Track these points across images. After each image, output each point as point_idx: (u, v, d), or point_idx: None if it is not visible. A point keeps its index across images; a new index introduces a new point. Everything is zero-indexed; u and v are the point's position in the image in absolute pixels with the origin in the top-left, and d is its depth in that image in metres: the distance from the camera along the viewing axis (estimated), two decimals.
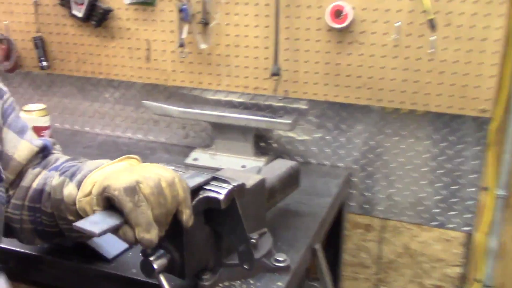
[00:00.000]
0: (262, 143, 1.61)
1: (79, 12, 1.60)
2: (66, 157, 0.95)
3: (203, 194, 0.86)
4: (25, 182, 0.90)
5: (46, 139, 0.97)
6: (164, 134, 1.74)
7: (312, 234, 1.15)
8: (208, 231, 0.91)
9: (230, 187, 0.86)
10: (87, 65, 1.71)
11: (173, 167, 0.91)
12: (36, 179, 0.90)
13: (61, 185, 0.86)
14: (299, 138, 1.58)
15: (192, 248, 0.87)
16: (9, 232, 0.92)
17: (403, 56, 1.35)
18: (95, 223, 0.72)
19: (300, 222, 1.19)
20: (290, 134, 1.58)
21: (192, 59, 1.56)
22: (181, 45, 1.51)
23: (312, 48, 1.42)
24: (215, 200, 0.85)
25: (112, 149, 1.68)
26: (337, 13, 1.32)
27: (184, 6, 1.46)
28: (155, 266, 0.83)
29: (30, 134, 0.93)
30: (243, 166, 1.50)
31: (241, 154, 1.53)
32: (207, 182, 0.88)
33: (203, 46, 1.50)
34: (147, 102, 1.60)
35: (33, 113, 1.46)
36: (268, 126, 1.47)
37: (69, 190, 0.84)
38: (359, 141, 1.52)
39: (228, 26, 1.49)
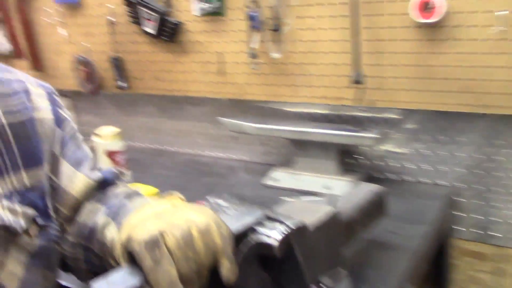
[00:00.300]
0: (349, 159, 1.44)
1: (150, 28, 1.54)
2: (125, 190, 0.86)
3: (253, 238, 0.72)
4: (80, 218, 0.83)
5: (109, 169, 0.89)
6: (244, 151, 1.63)
7: (403, 272, 0.95)
8: (266, 279, 0.76)
9: (286, 229, 0.71)
10: (163, 83, 1.65)
11: (220, 202, 0.79)
12: (90, 214, 0.82)
13: (104, 226, 0.77)
14: (392, 152, 1.38)
15: None
16: (68, 269, 0.86)
17: None
18: (113, 283, 0.61)
19: (389, 258, 1.00)
20: (381, 148, 1.38)
21: (266, 70, 1.43)
22: (253, 56, 1.38)
23: (399, 49, 1.22)
24: (268, 246, 0.70)
25: (191, 170, 1.60)
26: (425, 6, 1.11)
27: (253, 13, 1.33)
28: None
29: (90, 165, 0.86)
30: (327, 187, 1.34)
31: (325, 172, 1.37)
32: (258, 222, 0.73)
33: (275, 55, 1.36)
34: (222, 119, 1.50)
35: (105, 137, 1.41)
36: (352, 142, 1.29)
37: (111, 233, 0.75)
38: (464, 154, 1.28)
39: (302, 31, 1.34)
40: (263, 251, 0.71)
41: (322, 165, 1.37)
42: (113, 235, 0.74)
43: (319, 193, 1.33)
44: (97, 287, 0.60)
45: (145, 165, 1.67)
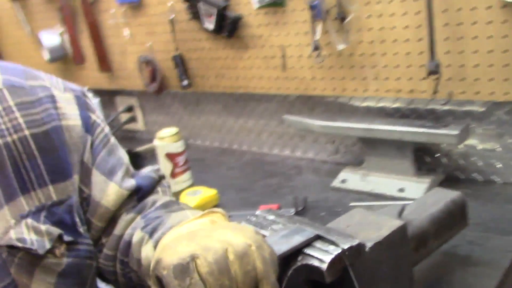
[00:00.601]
0: (426, 159, 1.29)
1: (210, 24, 1.48)
2: (165, 200, 0.80)
3: (301, 261, 0.62)
4: (117, 230, 0.77)
5: (147, 175, 0.83)
6: (312, 149, 1.52)
7: None
8: None
9: (337, 251, 0.61)
10: (226, 80, 1.59)
11: (268, 217, 0.70)
12: (128, 227, 0.77)
13: (140, 243, 0.71)
14: (476, 150, 1.21)
15: None
16: (107, 281, 0.82)
17: None
18: None
19: (472, 276, 0.86)
20: (463, 145, 1.23)
21: (332, 63, 1.31)
22: (316, 48, 1.27)
23: (481, 34, 1.07)
24: (316, 270, 0.61)
25: (255, 170, 1.52)
26: None
27: (315, 2, 1.22)
28: None
29: (123, 172, 0.80)
30: (401, 190, 1.21)
31: (399, 173, 1.24)
32: (308, 243, 0.64)
33: (341, 46, 1.25)
34: (288, 117, 1.41)
35: (165, 140, 1.37)
36: (429, 140, 1.15)
37: (147, 251, 0.69)
38: None
39: (369, 18, 1.21)
40: (312, 276, 0.62)
41: (396, 165, 1.24)
42: (149, 253, 0.68)
43: (392, 196, 1.21)
44: None
45: (207, 165, 1.62)
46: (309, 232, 0.65)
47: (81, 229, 0.72)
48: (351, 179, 1.31)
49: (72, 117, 0.74)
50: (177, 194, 1.33)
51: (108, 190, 0.76)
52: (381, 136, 1.21)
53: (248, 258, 0.55)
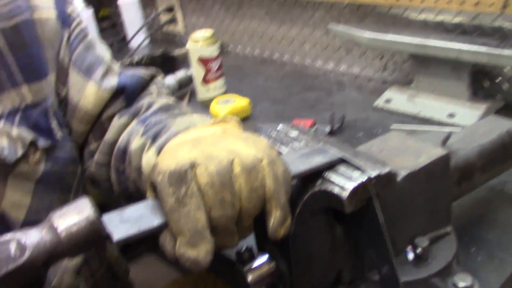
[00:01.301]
0: (486, 82, 1.15)
1: None
2: (162, 102, 0.71)
3: (320, 186, 0.54)
4: (109, 136, 0.71)
5: (133, 74, 0.74)
6: (358, 64, 1.40)
7: None
8: (339, 233, 0.60)
9: (362, 178, 0.53)
10: None
11: (293, 133, 0.61)
12: (122, 133, 0.70)
13: (141, 149, 0.64)
14: None
15: (304, 259, 0.58)
16: (100, 191, 0.77)
17: None
18: (127, 220, 0.48)
19: None
20: None
21: None
22: None
23: None
24: (336, 198, 0.53)
25: (295, 82, 1.42)
26: None
27: None
28: (251, 278, 0.57)
29: (103, 71, 0.71)
30: (451, 115, 1.09)
31: (451, 96, 1.11)
32: (330, 166, 0.55)
33: None
34: (334, 26, 1.28)
35: (198, 42, 1.27)
36: (490, 61, 1.01)
37: (149, 157, 0.62)
38: None
39: None
40: (331, 204, 0.54)
41: (449, 87, 1.11)
42: (151, 160, 0.61)
43: (440, 121, 1.09)
44: (107, 220, 0.48)
45: (245, 73, 1.52)
46: (333, 154, 0.57)
47: (59, 134, 0.66)
48: (397, 99, 1.19)
49: (45, 9, 0.65)
50: (207, 102, 1.26)
51: (86, 91, 0.69)
52: (436, 54, 1.08)
53: (257, 173, 0.48)
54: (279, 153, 0.52)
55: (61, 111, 0.69)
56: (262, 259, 0.59)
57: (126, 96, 0.72)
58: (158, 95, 0.74)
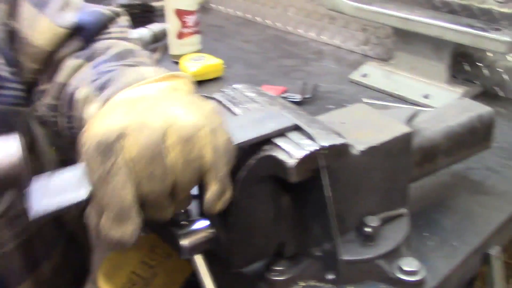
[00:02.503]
0: (467, 66, 1.11)
1: None
2: (121, 48, 0.66)
3: (266, 152, 0.50)
4: (61, 77, 0.65)
5: (94, 11, 0.68)
6: (340, 35, 1.35)
7: (495, 228, 0.69)
8: (286, 204, 0.56)
9: (313, 147, 0.49)
10: None
11: (251, 93, 0.57)
12: (74, 76, 0.65)
13: (86, 100, 0.59)
14: None
15: (245, 228, 0.54)
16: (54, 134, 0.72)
17: None
18: (52, 190, 0.44)
19: (479, 204, 0.74)
20: None
21: None
22: None
23: None
24: (282, 165, 0.49)
25: (274, 48, 1.36)
26: None
27: None
28: (184, 243, 0.54)
29: (60, 5, 0.65)
30: (426, 96, 1.06)
31: (429, 77, 1.08)
32: (281, 133, 0.51)
33: None
34: None
35: None
36: (473, 43, 0.97)
37: (91, 111, 0.57)
38: None
39: None
40: (277, 171, 0.50)
41: (428, 67, 1.07)
42: (93, 113, 0.57)
43: (415, 101, 1.06)
44: (33, 190, 0.44)
45: (224, 34, 1.46)
46: (287, 119, 0.53)
47: (6, 72, 0.61)
48: (374, 74, 1.15)
49: None
50: (179, 57, 1.20)
51: (39, 26, 0.63)
52: (418, 30, 1.03)
53: (193, 144, 0.43)
54: (221, 120, 0.47)
55: (10, 47, 0.64)
56: (200, 224, 0.55)
57: (84, 35, 0.66)
58: (120, 37, 0.69)
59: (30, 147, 0.70)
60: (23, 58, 0.64)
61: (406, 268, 0.59)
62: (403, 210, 0.65)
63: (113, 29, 0.69)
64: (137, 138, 0.42)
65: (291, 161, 0.48)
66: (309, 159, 0.48)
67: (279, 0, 1.46)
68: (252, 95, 0.59)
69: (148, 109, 0.45)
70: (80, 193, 0.43)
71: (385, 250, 0.60)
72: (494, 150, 0.86)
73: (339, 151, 0.50)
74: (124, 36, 0.70)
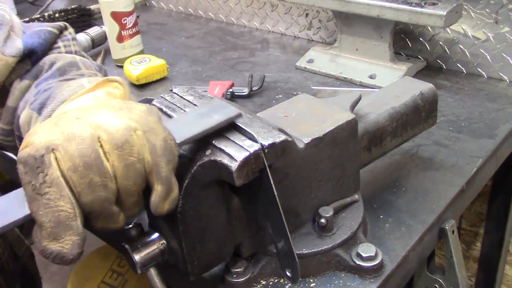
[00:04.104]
0: (409, 43, 1.12)
1: None
2: (64, 61, 0.64)
3: (209, 157, 0.49)
4: (10, 101, 0.64)
5: (40, 30, 0.66)
6: (283, 22, 1.34)
7: (448, 204, 0.70)
8: (236, 205, 0.55)
9: (254, 148, 0.48)
10: None
11: (189, 96, 0.56)
12: (20, 98, 0.63)
13: (28, 123, 0.58)
14: (464, 37, 1.05)
15: (197, 234, 0.53)
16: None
17: None
18: None
19: (431, 180, 0.75)
20: (452, 29, 1.06)
21: None
22: None
23: None
24: (226, 170, 0.48)
25: (218, 41, 1.34)
26: None
27: None
28: (136, 258, 0.52)
29: (5, 35, 0.63)
30: (372, 76, 1.06)
31: (373, 57, 1.08)
32: (220, 133, 0.50)
33: None
34: None
35: None
36: (411, 19, 0.97)
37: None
38: None
39: None
40: (221, 176, 0.49)
41: (371, 47, 1.08)
42: None
43: (362, 82, 1.06)
44: None
45: (166, 31, 1.43)
46: (231, 109, 0.51)
47: None
48: (319, 59, 1.15)
49: None
50: (123, 62, 1.17)
51: None
52: (358, 11, 1.03)
53: (130, 147, 0.42)
54: (160, 119, 0.46)
55: None
56: (152, 236, 0.54)
57: (35, 58, 0.64)
58: (66, 48, 0.67)
59: None
60: None
61: (364, 255, 0.59)
62: (357, 196, 0.65)
63: (61, 43, 0.67)
64: (67, 150, 0.41)
65: (233, 164, 0.47)
66: (251, 160, 0.47)
67: None
68: (190, 97, 0.57)
69: (76, 120, 0.43)
70: (21, 213, 0.42)
71: (342, 239, 0.60)
72: (441, 124, 0.88)
73: (280, 149, 0.49)
74: (71, 49, 0.68)
